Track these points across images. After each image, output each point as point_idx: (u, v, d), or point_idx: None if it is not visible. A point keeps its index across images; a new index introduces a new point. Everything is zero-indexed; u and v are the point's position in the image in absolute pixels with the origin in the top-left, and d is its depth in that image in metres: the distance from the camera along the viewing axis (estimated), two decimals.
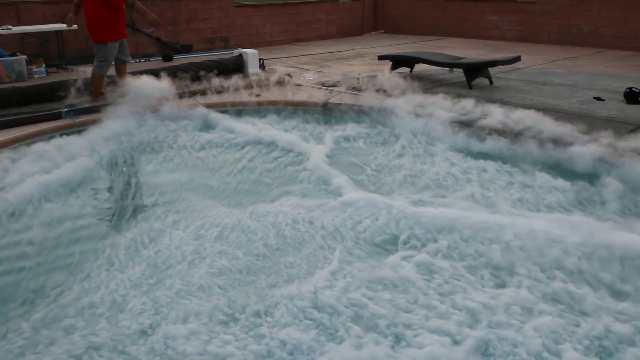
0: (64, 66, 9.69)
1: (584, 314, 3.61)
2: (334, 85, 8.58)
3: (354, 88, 8.30)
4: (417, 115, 6.86)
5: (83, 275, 4.04)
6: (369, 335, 3.38)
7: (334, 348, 3.26)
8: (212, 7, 12.25)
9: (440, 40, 14.16)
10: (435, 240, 4.44)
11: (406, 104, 7.18)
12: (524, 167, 5.70)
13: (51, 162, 5.78)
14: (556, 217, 4.63)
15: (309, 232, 4.64)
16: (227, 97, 8.02)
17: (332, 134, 6.88)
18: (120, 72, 7.82)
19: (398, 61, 9.49)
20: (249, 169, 6.09)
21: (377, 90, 7.87)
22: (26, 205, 5.04)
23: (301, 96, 7.98)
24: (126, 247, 4.41)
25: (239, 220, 4.80)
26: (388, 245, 4.47)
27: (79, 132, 6.65)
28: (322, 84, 8.72)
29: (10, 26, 9.34)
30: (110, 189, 5.74)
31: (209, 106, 7.56)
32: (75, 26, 9.73)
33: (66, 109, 7.05)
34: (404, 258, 4.19)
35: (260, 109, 7.71)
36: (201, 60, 9.35)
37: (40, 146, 6.09)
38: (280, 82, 8.69)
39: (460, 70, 8.76)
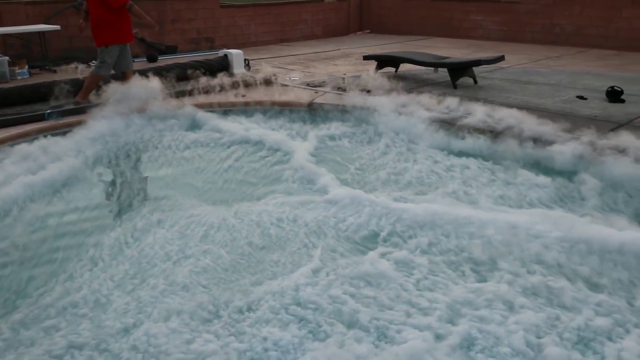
0: (47, 67, 9.63)
1: (564, 307, 3.65)
2: (319, 86, 8.60)
3: (339, 88, 8.32)
4: (401, 115, 6.89)
5: (66, 276, 4.03)
6: (352, 332, 3.40)
7: (317, 346, 3.28)
8: (197, 7, 12.22)
9: (426, 40, 14.22)
10: (417, 237, 4.47)
11: (390, 103, 7.20)
12: (506, 165, 5.74)
13: (36, 163, 5.74)
14: (537, 212, 4.68)
15: (293, 230, 4.66)
16: (212, 98, 8.01)
17: (317, 133, 6.90)
18: (126, 79, 7.76)
19: (383, 61, 9.52)
20: (234, 168, 6.11)
21: (362, 90, 7.90)
22: (11, 206, 5.01)
23: (287, 96, 7.99)
24: (110, 247, 4.41)
25: (224, 219, 4.81)
26: (371, 242, 4.50)
27: (64, 133, 6.61)
28: (308, 84, 8.73)
29: None
30: (95, 189, 5.72)
31: (195, 106, 7.54)
32: (57, 27, 9.71)
33: (49, 111, 7.00)
34: (386, 255, 4.22)
35: (246, 109, 7.71)
36: (186, 61, 9.32)
37: (23, 147, 6.05)
38: (265, 83, 8.69)
39: (445, 70, 8.81)
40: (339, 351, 3.20)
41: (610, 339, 3.37)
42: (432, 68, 9.42)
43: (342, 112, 7.37)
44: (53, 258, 4.32)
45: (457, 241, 4.38)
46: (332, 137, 6.87)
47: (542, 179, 5.34)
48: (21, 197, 5.14)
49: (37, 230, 4.77)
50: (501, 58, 8.81)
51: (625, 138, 5.67)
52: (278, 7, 13.84)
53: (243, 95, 8.05)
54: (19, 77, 9.01)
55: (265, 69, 9.82)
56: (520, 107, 6.93)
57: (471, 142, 6.17)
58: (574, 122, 6.41)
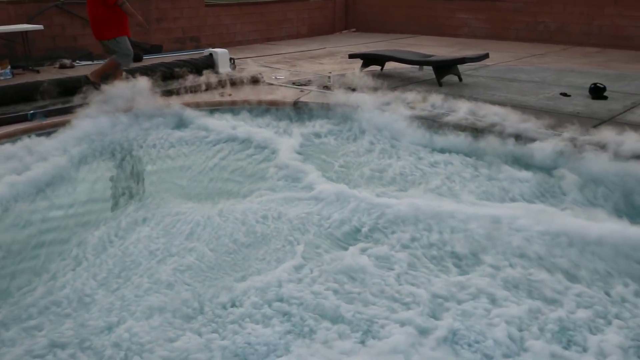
0: (31, 67, 9.54)
1: (546, 300, 3.69)
2: (305, 84, 8.61)
3: (325, 87, 8.32)
4: (386, 112, 6.91)
5: (49, 275, 4.01)
6: (335, 327, 3.42)
7: (300, 342, 3.28)
8: (182, 6, 12.17)
9: (411, 38, 14.26)
10: (400, 232, 4.51)
11: (375, 101, 7.24)
12: (489, 161, 5.79)
13: (21, 162, 5.72)
14: (519, 206, 4.74)
15: (277, 227, 4.67)
16: (198, 97, 8.00)
17: (302, 131, 6.92)
18: (116, 76, 7.82)
19: (368, 60, 9.55)
20: (220, 166, 6.11)
21: (347, 89, 7.91)
22: None
23: (272, 95, 7.99)
24: (94, 246, 4.40)
25: (209, 217, 4.82)
26: (354, 237, 4.53)
27: (49, 133, 6.58)
28: (294, 83, 8.74)
29: None
30: (79, 189, 5.68)
31: (182, 105, 7.53)
32: (40, 26, 9.63)
33: (32, 111, 6.95)
34: (369, 250, 4.26)
35: (232, 108, 7.70)
36: (171, 60, 9.29)
37: (6, 148, 6.01)
38: (251, 81, 8.69)
39: (430, 68, 8.84)
40: (323, 348, 3.20)
41: (591, 330, 3.41)
42: (418, 66, 9.46)
43: (328, 110, 7.37)
44: (36, 258, 4.29)
45: (440, 236, 4.42)
46: (317, 135, 6.89)
47: (525, 175, 5.39)
48: (6, 197, 5.11)
49: (21, 230, 4.74)
50: (486, 56, 8.86)
51: (606, 134, 5.73)
52: (263, 6, 13.82)
53: (229, 95, 8.04)
54: (2, 78, 8.91)
55: (251, 68, 9.82)
56: (504, 105, 6.97)
57: (455, 139, 6.20)
58: (558, 118, 6.47)
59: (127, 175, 6.12)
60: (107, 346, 3.25)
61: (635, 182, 4.98)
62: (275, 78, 9.14)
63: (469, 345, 3.30)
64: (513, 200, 5.01)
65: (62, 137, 6.43)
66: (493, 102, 7.14)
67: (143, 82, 7.59)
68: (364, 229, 4.60)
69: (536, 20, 13.15)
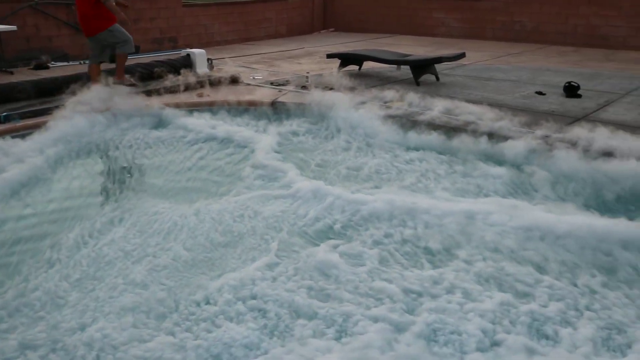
0: (4, 69, 9.41)
1: (519, 293, 3.75)
2: (283, 84, 8.60)
3: (303, 87, 8.32)
4: (363, 112, 6.94)
5: (21, 278, 3.97)
6: (311, 324, 3.44)
7: (275, 341, 3.30)
8: (160, 6, 12.08)
9: (390, 37, 14.32)
10: (375, 228, 4.56)
11: (352, 101, 7.27)
12: (463, 158, 5.86)
13: None
14: (493, 201, 4.82)
15: (253, 225, 4.69)
16: (176, 98, 7.95)
17: (279, 130, 6.94)
18: (93, 72, 7.84)
19: (346, 59, 9.57)
20: (198, 165, 6.12)
21: (325, 89, 7.92)
22: None
23: (251, 95, 7.98)
24: (68, 247, 4.36)
25: (185, 216, 4.81)
26: (329, 235, 4.56)
27: (23, 136, 6.49)
28: (272, 83, 8.73)
29: None
30: (54, 190, 5.63)
31: (159, 106, 7.50)
32: (14, 27, 9.49)
33: (5, 113, 6.85)
34: (343, 247, 4.29)
35: (210, 108, 7.66)
36: (149, 61, 9.22)
37: None
38: (229, 82, 8.67)
39: (408, 67, 8.88)
40: (298, 345, 3.21)
41: (563, 323, 3.47)
42: (395, 66, 9.50)
43: (305, 110, 7.38)
44: (9, 260, 4.25)
45: (414, 231, 4.48)
46: (295, 134, 6.92)
47: (498, 171, 5.47)
48: None
49: None
50: (462, 55, 8.93)
51: (579, 132, 5.83)
52: (242, 5, 13.77)
53: (207, 95, 8.00)
54: None
55: (229, 68, 9.78)
56: (480, 103, 7.04)
57: (430, 137, 6.26)
58: (533, 117, 6.55)
59: (104, 175, 6.09)
60: (80, 347, 3.23)
61: (604, 178, 5.06)
62: (254, 78, 9.12)
63: (444, 340, 3.33)
64: (487, 196, 5.08)
65: (39, 138, 6.36)
66: (469, 101, 7.21)
67: (118, 84, 7.58)
68: (339, 226, 4.64)
69: (513, 19, 13.29)
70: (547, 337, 3.36)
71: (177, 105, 7.62)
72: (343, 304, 3.62)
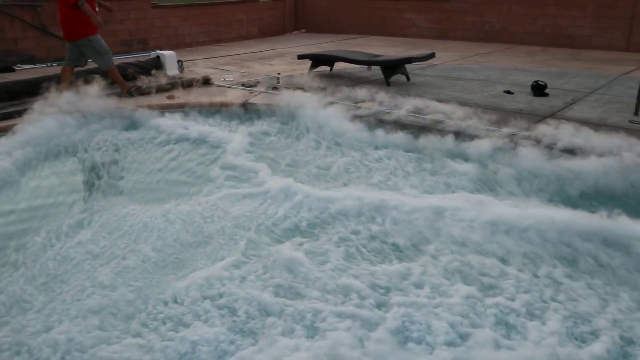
0: None
1: (487, 287, 3.82)
2: (253, 85, 8.58)
3: (274, 88, 8.32)
4: (333, 112, 6.96)
5: None
6: (280, 322, 3.44)
7: (243, 340, 3.29)
8: (129, 8, 11.95)
9: (361, 38, 14.38)
10: (344, 225, 4.62)
11: (323, 101, 7.30)
12: (432, 156, 5.93)
13: None
14: (460, 197, 4.90)
15: (223, 225, 4.69)
16: (146, 100, 7.88)
17: (250, 130, 6.95)
18: (65, 74, 7.74)
19: (317, 60, 9.58)
20: (169, 166, 6.12)
21: (296, 89, 7.93)
22: None
23: (221, 97, 7.96)
24: (34, 250, 4.32)
25: (155, 217, 4.80)
26: (299, 233, 4.59)
27: None
28: (243, 84, 8.70)
29: None
30: (21, 193, 5.56)
31: (129, 108, 7.45)
32: None
33: None
34: (313, 245, 4.34)
35: (180, 110, 7.61)
36: (118, 63, 9.10)
37: None
38: (200, 83, 8.63)
39: (379, 67, 8.93)
40: (267, 345, 3.21)
41: (529, 315, 3.54)
42: (366, 66, 9.55)
43: (276, 110, 7.38)
44: None
45: (383, 227, 4.54)
46: (265, 134, 6.95)
47: (466, 168, 5.55)
48: None
49: None
50: (432, 55, 9.01)
51: (545, 129, 5.94)
52: (212, 7, 13.69)
53: (177, 97, 7.96)
54: None
55: (200, 69, 9.74)
56: (450, 102, 7.12)
57: (399, 135, 6.32)
58: (501, 115, 6.65)
59: (73, 178, 6.05)
60: (44, 350, 3.19)
61: (568, 174, 5.16)
62: (225, 80, 9.08)
63: (413, 335, 3.36)
64: (454, 192, 5.15)
65: (6, 141, 6.27)
66: (439, 100, 7.28)
67: (90, 86, 7.51)
68: (309, 224, 4.68)
69: (482, 20, 13.45)
70: (515, 330, 3.41)
71: (149, 107, 7.55)
72: (312, 301, 3.64)
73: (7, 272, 4.03)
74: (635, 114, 6.68)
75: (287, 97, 7.47)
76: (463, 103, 7.21)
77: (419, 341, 3.32)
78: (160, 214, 4.84)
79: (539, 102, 7.45)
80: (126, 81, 8.16)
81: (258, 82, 8.79)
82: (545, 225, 4.31)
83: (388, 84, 8.56)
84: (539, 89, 7.93)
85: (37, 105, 7.01)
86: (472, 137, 5.98)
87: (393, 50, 11.76)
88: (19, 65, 9.83)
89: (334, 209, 4.81)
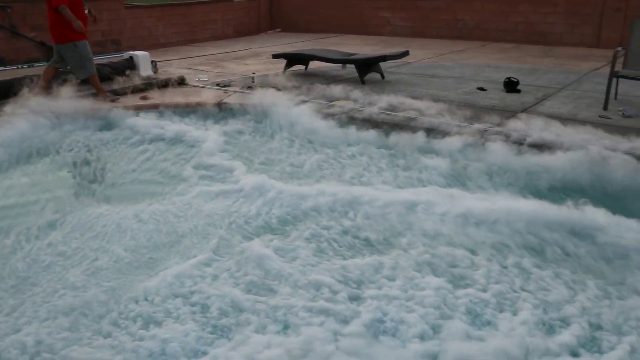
0: None
1: (459, 278, 3.87)
2: (228, 85, 8.56)
3: (249, 87, 8.31)
4: (307, 110, 6.98)
5: None
6: (254, 319, 3.44)
7: (216, 338, 3.29)
8: (101, 8, 11.77)
9: (337, 37, 14.42)
10: (316, 221, 4.65)
11: (297, 100, 7.34)
12: (405, 152, 5.99)
13: None
14: (433, 191, 4.96)
15: (196, 224, 4.69)
16: (120, 100, 7.81)
17: (224, 129, 6.95)
18: (47, 74, 7.74)
19: (292, 59, 9.58)
20: (143, 167, 6.09)
21: (271, 89, 7.93)
22: None
23: (196, 97, 7.94)
24: (3, 253, 4.25)
25: (128, 217, 4.77)
26: (272, 230, 4.60)
27: None
28: (217, 84, 8.68)
29: None
30: None
31: (106, 108, 7.42)
32: None
33: None
34: (285, 241, 4.34)
35: (155, 110, 7.57)
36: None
37: None
38: (174, 84, 8.59)
39: (353, 66, 8.96)
40: (240, 342, 3.21)
41: (500, 306, 3.58)
42: (341, 65, 9.57)
43: (250, 109, 7.37)
44: None
45: (356, 222, 4.59)
46: (240, 133, 6.95)
47: (438, 163, 5.62)
48: None
49: None
50: (406, 53, 9.07)
51: (516, 125, 6.03)
52: (186, 7, 13.61)
53: (150, 98, 7.91)
54: None
55: (174, 70, 9.70)
56: (424, 99, 7.18)
57: (373, 132, 6.38)
58: (474, 111, 6.73)
59: (45, 179, 5.95)
60: (12, 351, 3.15)
61: (538, 167, 5.25)
62: (199, 80, 9.04)
63: (386, 328, 3.38)
64: (426, 187, 5.20)
65: None
66: (413, 98, 7.34)
67: (64, 87, 7.49)
68: (282, 221, 4.70)
69: (456, 18, 13.57)
70: (486, 321, 3.45)
71: (124, 108, 7.50)
72: (285, 297, 3.64)
73: None
74: (605, 108, 6.80)
75: (261, 97, 7.47)
76: (437, 100, 7.27)
77: (392, 334, 3.34)
78: (134, 214, 4.81)
79: (512, 99, 7.55)
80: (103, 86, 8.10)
81: (233, 81, 8.78)
82: (513, 217, 4.39)
83: (363, 82, 8.60)
84: (511, 86, 8.04)
85: (9, 107, 6.93)
86: (445, 133, 6.04)
87: (368, 48, 11.81)
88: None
89: (307, 205, 4.84)
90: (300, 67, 9.59)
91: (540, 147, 5.52)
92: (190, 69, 10.05)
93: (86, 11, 7.65)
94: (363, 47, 12.05)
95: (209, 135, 6.65)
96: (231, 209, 4.91)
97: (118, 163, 6.19)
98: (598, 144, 5.36)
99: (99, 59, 10.15)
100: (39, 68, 9.47)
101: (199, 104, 7.69)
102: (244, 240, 4.41)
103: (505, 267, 3.98)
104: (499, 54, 11.39)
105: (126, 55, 9.26)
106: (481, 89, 8.16)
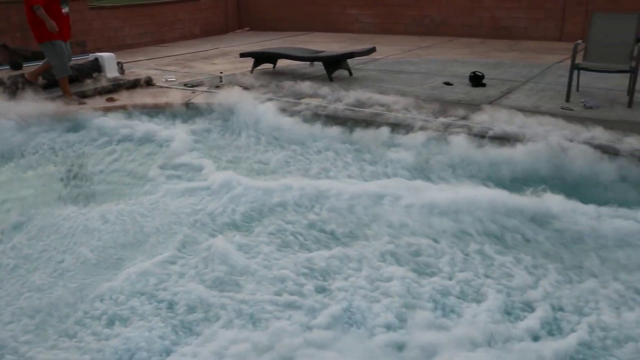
0: None
1: (425, 267, 3.95)
2: (196, 85, 8.53)
3: (217, 87, 8.29)
4: (275, 108, 7.00)
5: None
6: (221, 313, 3.45)
7: (183, 335, 3.29)
8: None
9: (305, 35, 14.44)
10: (283, 215, 4.70)
11: (264, 98, 7.37)
12: (371, 147, 6.06)
13: None
14: (398, 183, 5.05)
15: (163, 222, 4.68)
16: (88, 102, 7.74)
17: (191, 129, 6.95)
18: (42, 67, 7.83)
19: (260, 58, 9.56)
20: (110, 167, 6.06)
21: (238, 88, 7.93)
22: None
23: (163, 97, 7.89)
24: None
25: (94, 218, 4.75)
26: (238, 225, 4.62)
27: None
28: (185, 84, 8.64)
29: None
30: None
31: (72, 110, 7.36)
32: None
33: None
34: (252, 236, 4.38)
35: (122, 112, 7.50)
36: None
37: None
38: (140, 85, 8.54)
39: (321, 63, 9.00)
40: (207, 339, 3.22)
41: (465, 294, 3.66)
42: (309, 63, 9.60)
43: (217, 109, 7.35)
44: None
45: (323, 215, 4.65)
46: (207, 131, 6.96)
47: (403, 156, 5.69)
48: None
49: None
50: (372, 50, 9.14)
51: (480, 118, 6.14)
52: (153, 7, 13.49)
53: (117, 99, 7.84)
54: None
55: (141, 71, 9.62)
56: (391, 95, 7.26)
57: (339, 128, 6.44)
58: (440, 106, 6.82)
59: (11, 182, 5.85)
60: None
61: (501, 158, 5.36)
62: (167, 80, 8.99)
63: (354, 320, 3.41)
64: (392, 178, 5.29)
65: None
66: (380, 93, 7.41)
67: (27, 89, 7.47)
68: (249, 217, 4.73)
69: (422, 14, 13.69)
70: (451, 309, 3.51)
71: (93, 109, 7.44)
72: (252, 292, 3.66)
73: None
74: (567, 100, 6.95)
75: (229, 96, 7.47)
76: (404, 95, 7.34)
77: (359, 325, 3.37)
78: (101, 215, 4.78)
79: (477, 92, 7.66)
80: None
81: (201, 81, 8.75)
82: (475, 206, 4.49)
83: (331, 79, 8.64)
84: (476, 80, 8.16)
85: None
86: (411, 128, 6.12)
87: (336, 45, 11.86)
88: None
89: (273, 200, 4.89)
90: (268, 66, 9.59)
91: (503, 139, 5.63)
92: (158, 69, 9.98)
93: (65, 10, 7.62)
94: (331, 44, 12.10)
95: (177, 135, 6.62)
96: (197, 207, 4.91)
97: (85, 164, 6.15)
98: (559, 135, 5.48)
99: None
100: (3, 72, 9.33)
101: (167, 104, 7.65)
102: (211, 236, 4.41)
103: (467, 255, 4.07)
104: (465, 49, 11.53)
105: (91, 57, 9.17)
106: (447, 83, 8.26)
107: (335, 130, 6.40)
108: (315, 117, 6.70)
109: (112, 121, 7.13)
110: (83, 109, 7.40)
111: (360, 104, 6.99)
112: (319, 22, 15.00)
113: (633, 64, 6.69)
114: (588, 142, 5.31)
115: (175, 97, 7.87)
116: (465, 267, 3.92)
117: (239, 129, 6.87)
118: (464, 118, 6.28)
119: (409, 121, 6.25)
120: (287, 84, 8.17)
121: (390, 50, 11.38)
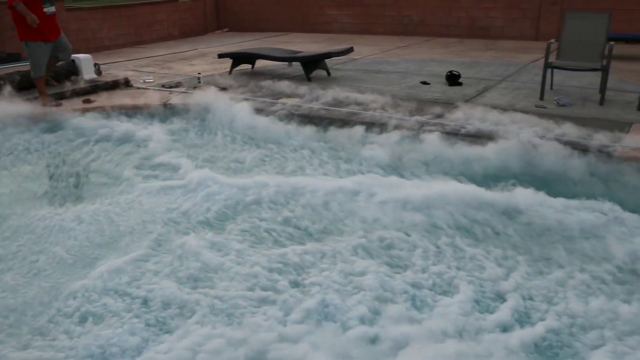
0: None
1: (399, 259, 4.02)
2: (174, 86, 8.51)
3: (195, 87, 8.29)
4: (252, 108, 7.00)
5: None
6: (196, 310, 3.48)
7: (158, 333, 3.31)
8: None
9: (284, 35, 14.46)
10: (258, 212, 4.74)
11: (241, 98, 7.39)
12: (347, 145, 6.10)
13: None
14: (373, 179, 5.12)
15: (139, 221, 4.70)
16: (65, 104, 7.70)
17: (169, 129, 6.97)
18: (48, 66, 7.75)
19: (238, 59, 9.56)
20: (87, 168, 6.07)
21: (216, 88, 7.93)
22: None
23: (140, 98, 7.86)
24: None
25: (69, 219, 4.74)
26: (213, 223, 4.66)
27: None
28: (163, 86, 8.62)
29: None
30: None
31: (47, 112, 7.32)
32: None
33: None
34: (227, 234, 4.41)
35: (99, 113, 7.46)
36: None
37: None
38: (118, 86, 8.51)
39: (299, 64, 9.03)
40: (182, 336, 3.24)
41: (438, 288, 3.73)
42: (287, 63, 9.63)
43: (195, 109, 7.34)
44: None
45: (298, 212, 4.69)
46: (185, 131, 6.97)
47: (379, 154, 5.74)
48: None
49: None
50: (350, 49, 9.20)
51: (456, 116, 6.22)
52: (130, 8, 13.42)
53: (93, 101, 7.81)
54: None
55: (119, 72, 9.58)
56: (368, 94, 7.31)
57: (316, 127, 6.47)
58: (417, 105, 6.90)
59: None
60: None
61: (474, 155, 5.42)
62: (144, 81, 8.96)
63: (328, 314, 3.46)
64: (366, 174, 5.35)
65: None
66: (358, 92, 7.46)
67: (4, 90, 7.43)
68: (224, 214, 4.77)
69: (401, 14, 13.79)
70: (423, 302, 3.57)
71: (72, 110, 7.40)
72: (226, 289, 3.69)
73: None
74: (541, 98, 7.06)
75: (207, 96, 7.47)
76: (381, 95, 7.40)
77: (333, 319, 3.41)
78: (76, 215, 4.77)
79: (453, 91, 7.75)
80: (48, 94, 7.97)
81: (179, 82, 8.73)
82: (447, 201, 4.57)
83: (309, 79, 8.68)
84: (453, 79, 8.25)
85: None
86: (387, 126, 6.17)
87: (315, 46, 11.90)
88: None
89: (249, 197, 4.92)
90: (247, 67, 9.60)
91: (477, 136, 5.71)
92: (136, 70, 9.95)
93: (48, 9, 7.56)
94: (310, 45, 12.14)
95: (154, 136, 6.61)
96: (173, 205, 4.94)
97: (61, 165, 6.13)
98: (531, 132, 5.57)
99: None
100: None
101: (143, 106, 7.63)
102: (186, 234, 4.43)
103: (439, 248, 4.14)
104: (442, 49, 11.64)
105: None
106: (424, 82, 8.34)
107: (311, 129, 6.42)
108: (291, 116, 6.72)
109: (89, 122, 7.09)
110: (60, 110, 7.37)
111: (338, 103, 7.05)
112: (298, 23, 15.04)
113: (604, 62, 6.82)
114: (558, 139, 5.41)
115: (153, 98, 7.86)
116: (438, 260, 3.99)
117: (216, 128, 6.88)
118: (439, 116, 6.36)
119: (385, 119, 6.32)
120: (266, 84, 8.20)
121: (368, 50, 11.45)
